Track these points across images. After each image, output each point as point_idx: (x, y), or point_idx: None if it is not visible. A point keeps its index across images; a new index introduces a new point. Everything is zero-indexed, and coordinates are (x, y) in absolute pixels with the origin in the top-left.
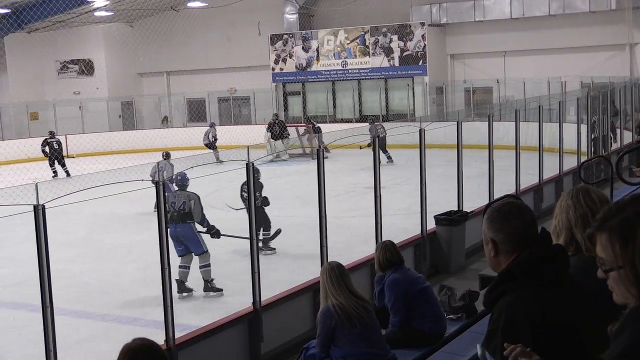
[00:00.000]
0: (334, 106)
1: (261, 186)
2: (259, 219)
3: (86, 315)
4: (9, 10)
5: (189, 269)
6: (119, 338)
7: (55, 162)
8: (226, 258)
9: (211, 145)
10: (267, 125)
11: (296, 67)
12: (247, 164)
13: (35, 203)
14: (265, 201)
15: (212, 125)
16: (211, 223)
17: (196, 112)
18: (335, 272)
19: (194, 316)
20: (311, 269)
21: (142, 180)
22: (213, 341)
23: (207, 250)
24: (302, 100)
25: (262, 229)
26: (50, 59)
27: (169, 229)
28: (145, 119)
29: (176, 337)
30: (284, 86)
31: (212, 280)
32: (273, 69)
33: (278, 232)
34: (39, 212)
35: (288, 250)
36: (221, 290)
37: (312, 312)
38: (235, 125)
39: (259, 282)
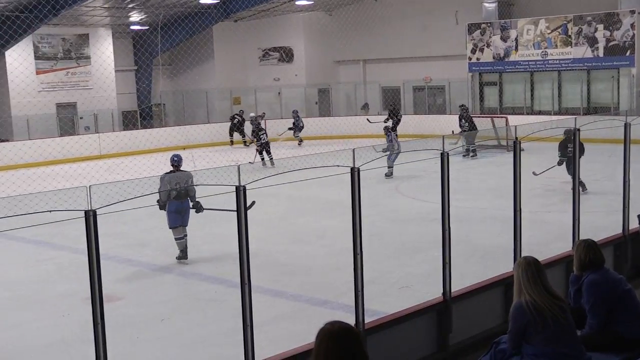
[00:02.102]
0: (532, 98)
1: None
2: None
3: (280, 294)
4: (218, 0)
5: (186, 237)
6: (311, 319)
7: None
8: (420, 246)
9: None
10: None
11: (493, 57)
12: (441, 154)
13: (237, 184)
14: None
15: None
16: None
17: (391, 100)
18: (532, 268)
19: (382, 303)
20: (503, 263)
21: (338, 166)
22: (401, 329)
23: None
24: (499, 91)
25: None
26: (253, 47)
27: (174, 205)
28: (341, 106)
29: (365, 322)
30: (480, 76)
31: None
32: (469, 59)
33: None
34: (240, 193)
35: (479, 243)
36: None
37: (504, 307)
38: (428, 115)
39: (449, 272)
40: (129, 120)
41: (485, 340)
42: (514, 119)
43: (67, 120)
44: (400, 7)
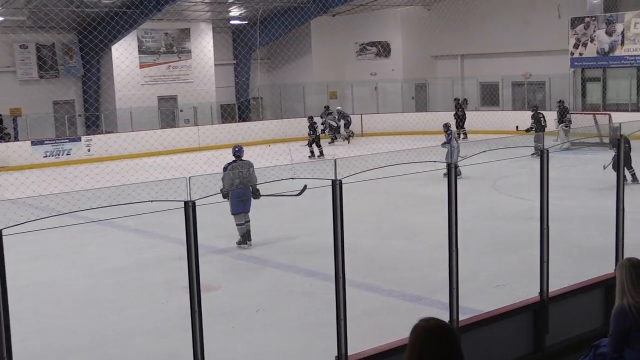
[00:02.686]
0: (638, 94)
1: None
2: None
3: (374, 289)
4: None
5: (247, 223)
6: (404, 314)
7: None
8: (516, 244)
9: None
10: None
11: (597, 51)
12: (540, 150)
13: (333, 178)
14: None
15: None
16: None
17: (489, 96)
18: (636, 270)
19: (477, 301)
20: (603, 264)
21: (435, 162)
22: (496, 327)
23: None
24: (602, 86)
25: None
26: (351, 42)
27: (236, 193)
28: (438, 102)
29: (460, 319)
30: (582, 72)
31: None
32: (572, 54)
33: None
34: (336, 186)
35: (578, 242)
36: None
37: (604, 309)
38: (527, 111)
39: (547, 271)
40: (227, 113)
41: (583, 343)
42: (617, 116)
43: (168, 113)
44: (500, 1)
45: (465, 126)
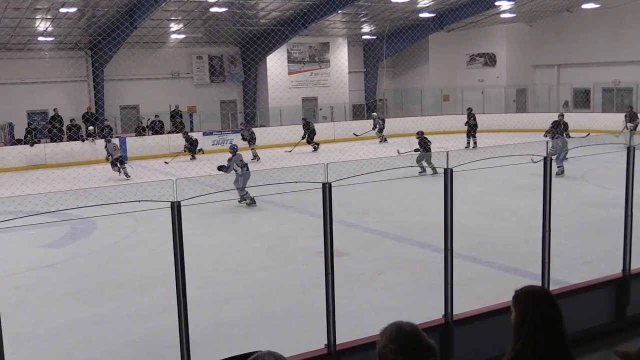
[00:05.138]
0: None
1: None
2: None
3: (476, 260)
4: (434, 14)
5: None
6: (502, 282)
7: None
8: (602, 228)
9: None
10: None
11: None
12: (627, 147)
13: (445, 167)
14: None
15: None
16: None
17: (581, 100)
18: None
19: (566, 274)
20: None
21: (532, 155)
22: (582, 297)
23: None
24: None
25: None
26: (462, 53)
27: (242, 175)
28: (536, 104)
29: (551, 289)
30: None
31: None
32: None
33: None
34: (448, 175)
35: None
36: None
37: None
38: (616, 113)
39: (630, 252)
40: (358, 112)
41: None
42: None
43: (310, 111)
44: (594, 17)
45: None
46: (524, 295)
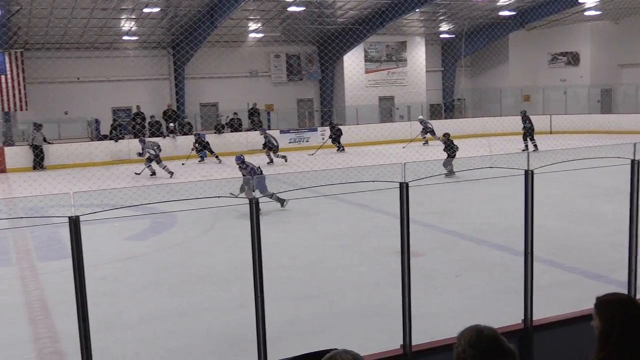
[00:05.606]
0: None
1: None
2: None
3: (557, 265)
4: (515, 12)
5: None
6: (584, 289)
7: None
8: None
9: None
10: None
11: None
12: None
13: (526, 168)
14: None
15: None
16: None
17: None
18: None
19: None
20: None
21: (618, 157)
22: None
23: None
24: None
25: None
26: (544, 52)
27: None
28: (622, 105)
29: (637, 297)
30: None
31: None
32: None
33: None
34: (528, 177)
35: None
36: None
37: None
38: None
39: None
40: (435, 111)
41: None
42: None
43: (386, 110)
44: None
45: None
46: (610, 304)
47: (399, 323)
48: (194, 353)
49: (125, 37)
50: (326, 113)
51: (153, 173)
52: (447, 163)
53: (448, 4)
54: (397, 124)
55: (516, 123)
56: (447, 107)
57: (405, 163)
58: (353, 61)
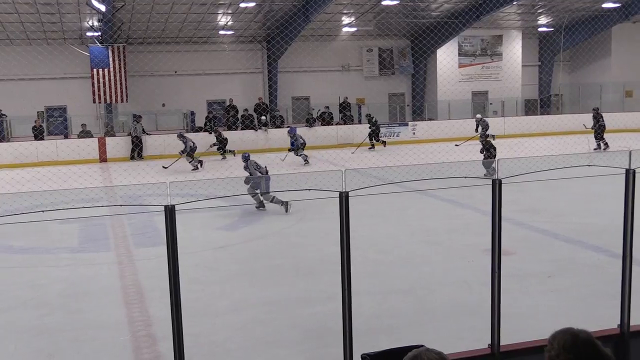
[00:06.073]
0: None
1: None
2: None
3: None
4: (619, 4)
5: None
6: None
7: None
8: None
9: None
10: None
11: None
12: None
13: (627, 167)
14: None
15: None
16: None
17: None
18: None
19: None
20: None
21: None
22: None
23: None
24: None
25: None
26: None
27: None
28: None
29: None
30: None
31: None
32: None
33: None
34: (630, 176)
35: None
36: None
37: None
38: None
39: None
40: (530, 107)
41: None
42: None
43: (479, 105)
44: None
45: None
46: None
47: (487, 322)
48: (281, 342)
49: (221, 32)
50: (416, 107)
51: (197, 166)
52: (488, 164)
53: None
54: (490, 119)
55: (617, 119)
56: (544, 103)
57: (498, 160)
58: (447, 55)
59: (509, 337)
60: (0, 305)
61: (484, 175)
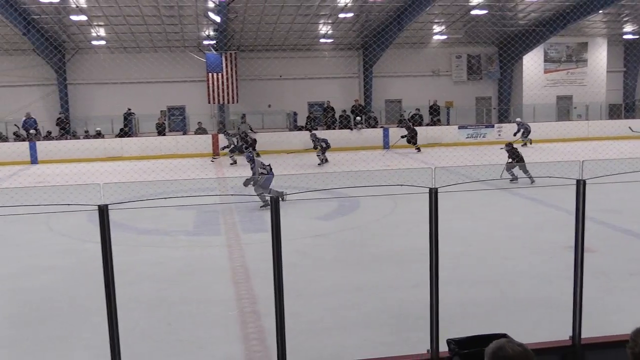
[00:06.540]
0: None
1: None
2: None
3: None
4: None
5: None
6: None
7: None
8: None
9: None
10: None
11: None
12: None
13: None
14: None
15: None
16: None
17: None
18: None
19: None
20: None
21: None
22: None
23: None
24: None
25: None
26: None
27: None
28: None
29: None
30: None
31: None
32: None
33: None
34: None
35: None
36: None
37: None
38: None
39: None
40: (614, 112)
41: None
42: None
43: (563, 109)
44: None
45: None
46: None
47: (568, 315)
48: (371, 324)
49: (322, 40)
50: (502, 111)
51: (234, 162)
52: (510, 167)
53: (634, 4)
54: (574, 122)
55: None
56: (628, 107)
57: (583, 161)
58: (533, 61)
59: (590, 333)
60: (126, 279)
61: (508, 176)
